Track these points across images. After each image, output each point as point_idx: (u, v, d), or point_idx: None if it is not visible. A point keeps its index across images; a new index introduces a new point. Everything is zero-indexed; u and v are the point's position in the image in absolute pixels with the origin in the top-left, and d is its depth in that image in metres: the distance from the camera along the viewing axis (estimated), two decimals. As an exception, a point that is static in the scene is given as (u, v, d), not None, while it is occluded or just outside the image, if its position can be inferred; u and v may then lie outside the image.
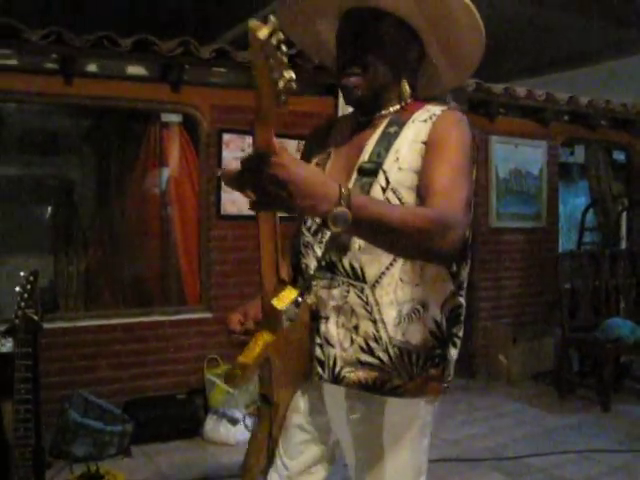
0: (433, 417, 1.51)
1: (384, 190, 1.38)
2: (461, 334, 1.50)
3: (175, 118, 4.53)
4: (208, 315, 4.44)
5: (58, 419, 3.71)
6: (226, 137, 4.46)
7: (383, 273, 1.39)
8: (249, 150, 4.45)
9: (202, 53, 4.23)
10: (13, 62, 3.87)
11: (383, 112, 1.48)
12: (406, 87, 1.47)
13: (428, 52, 1.50)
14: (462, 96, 4.92)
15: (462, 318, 1.49)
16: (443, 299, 1.43)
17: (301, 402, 1.57)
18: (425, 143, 1.38)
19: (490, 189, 5.61)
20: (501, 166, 5.67)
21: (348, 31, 1.45)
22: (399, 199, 1.37)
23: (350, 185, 1.40)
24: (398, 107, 1.47)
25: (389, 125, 1.45)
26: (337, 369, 1.45)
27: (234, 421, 4.06)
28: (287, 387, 1.53)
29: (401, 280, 1.39)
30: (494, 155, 5.62)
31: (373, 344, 1.41)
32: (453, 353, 1.48)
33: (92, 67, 4.10)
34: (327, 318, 1.46)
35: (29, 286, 2.29)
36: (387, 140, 1.42)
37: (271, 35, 0.96)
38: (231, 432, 4.02)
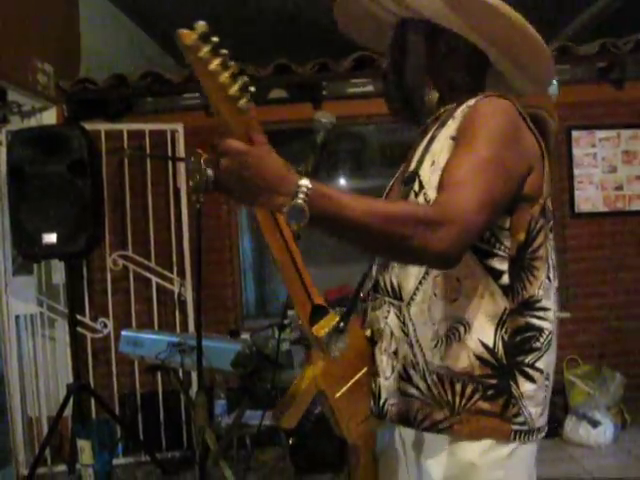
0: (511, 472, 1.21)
1: (417, 195, 1.23)
2: (541, 365, 1.22)
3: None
4: (567, 315, 4.33)
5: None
6: (575, 134, 4.47)
7: (417, 288, 1.23)
8: (600, 146, 4.47)
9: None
10: (370, 89, 4.41)
11: (437, 114, 1.34)
12: (453, 82, 1.32)
13: (489, 56, 1.34)
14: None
15: (539, 344, 1.22)
16: (496, 319, 1.19)
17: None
18: (454, 138, 1.20)
19: None
20: None
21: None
22: (427, 202, 1.20)
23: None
24: (449, 106, 1.31)
25: (438, 127, 1.29)
26: (382, 401, 1.29)
27: (594, 423, 3.97)
28: (362, 424, 1.33)
29: (435, 295, 1.21)
30: None
31: (411, 371, 1.24)
32: (527, 387, 1.20)
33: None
34: (375, 343, 1.32)
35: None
36: (430, 143, 1.28)
37: (203, 40, 0.88)
38: (591, 434, 3.94)
